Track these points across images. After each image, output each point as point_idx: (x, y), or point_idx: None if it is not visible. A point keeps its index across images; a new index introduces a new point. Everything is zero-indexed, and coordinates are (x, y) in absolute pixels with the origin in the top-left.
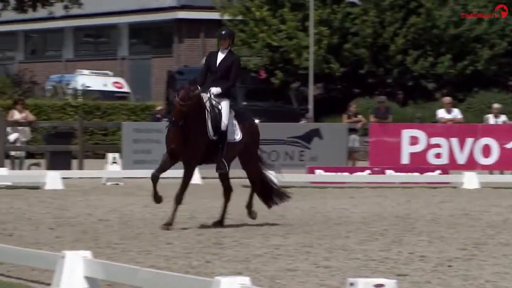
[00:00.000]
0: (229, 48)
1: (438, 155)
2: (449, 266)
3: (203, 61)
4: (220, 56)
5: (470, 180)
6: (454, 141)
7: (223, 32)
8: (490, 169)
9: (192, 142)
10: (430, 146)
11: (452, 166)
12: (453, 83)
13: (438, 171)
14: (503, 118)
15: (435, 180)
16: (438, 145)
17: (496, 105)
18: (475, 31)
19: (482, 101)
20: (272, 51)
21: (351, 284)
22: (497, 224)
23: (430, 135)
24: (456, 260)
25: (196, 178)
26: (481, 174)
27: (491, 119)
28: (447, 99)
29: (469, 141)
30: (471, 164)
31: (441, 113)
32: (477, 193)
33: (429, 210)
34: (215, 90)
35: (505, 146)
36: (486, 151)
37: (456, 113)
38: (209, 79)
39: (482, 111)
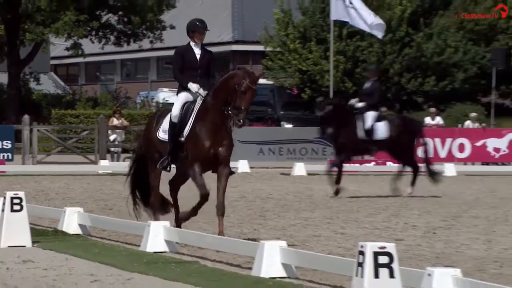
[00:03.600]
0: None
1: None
2: (434, 233)
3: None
4: (197, 52)
5: (449, 169)
6: (437, 140)
7: (201, 24)
8: (464, 161)
9: (230, 141)
10: (419, 144)
11: (435, 159)
12: (436, 97)
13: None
14: (477, 124)
15: (423, 170)
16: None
17: (473, 114)
18: (452, 59)
19: (458, 111)
20: (302, 74)
21: (361, 246)
22: (469, 202)
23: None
24: (439, 228)
25: (246, 167)
26: (457, 165)
27: (470, 124)
28: (432, 109)
29: (448, 140)
30: (450, 158)
31: (428, 120)
32: (454, 179)
33: (418, 191)
34: None
35: (475, 144)
36: (461, 148)
37: (439, 120)
38: (189, 75)
39: (458, 118)
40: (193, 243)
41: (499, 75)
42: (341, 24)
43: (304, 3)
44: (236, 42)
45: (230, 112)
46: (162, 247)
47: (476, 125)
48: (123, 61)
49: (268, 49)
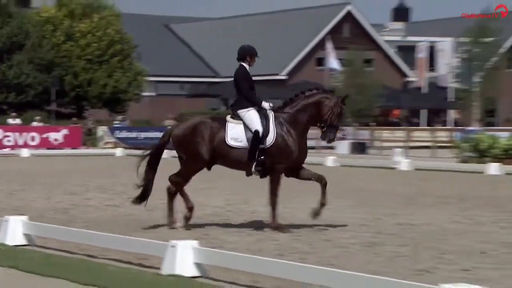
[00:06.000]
0: None
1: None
2: (12, 194)
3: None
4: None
5: (25, 152)
6: (17, 134)
7: (255, 50)
8: (35, 148)
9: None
10: (4, 137)
11: (16, 146)
12: (17, 106)
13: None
14: (42, 123)
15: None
16: (9, 136)
17: (38, 117)
18: (26, 81)
19: (30, 115)
20: None
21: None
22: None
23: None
24: (16, 191)
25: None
26: (31, 150)
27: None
28: (14, 114)
29: (24, 133)
30: (26, 145)
31: (11, 121)
32: (26, 160)
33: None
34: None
35: (42, 136)
36: (33, 139)
37: (18, 121)
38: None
39: (30, 120)
40: None
41: (57, 92)
42: None
43: None
44: None
45: (324, 128)
46: None
47: (41, 124)
48: None
49: None
